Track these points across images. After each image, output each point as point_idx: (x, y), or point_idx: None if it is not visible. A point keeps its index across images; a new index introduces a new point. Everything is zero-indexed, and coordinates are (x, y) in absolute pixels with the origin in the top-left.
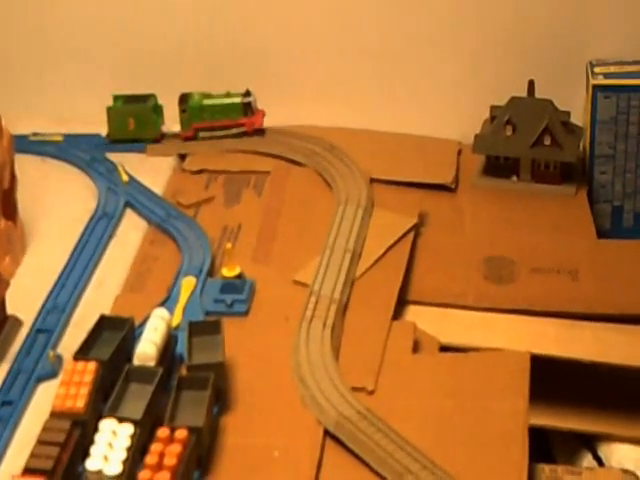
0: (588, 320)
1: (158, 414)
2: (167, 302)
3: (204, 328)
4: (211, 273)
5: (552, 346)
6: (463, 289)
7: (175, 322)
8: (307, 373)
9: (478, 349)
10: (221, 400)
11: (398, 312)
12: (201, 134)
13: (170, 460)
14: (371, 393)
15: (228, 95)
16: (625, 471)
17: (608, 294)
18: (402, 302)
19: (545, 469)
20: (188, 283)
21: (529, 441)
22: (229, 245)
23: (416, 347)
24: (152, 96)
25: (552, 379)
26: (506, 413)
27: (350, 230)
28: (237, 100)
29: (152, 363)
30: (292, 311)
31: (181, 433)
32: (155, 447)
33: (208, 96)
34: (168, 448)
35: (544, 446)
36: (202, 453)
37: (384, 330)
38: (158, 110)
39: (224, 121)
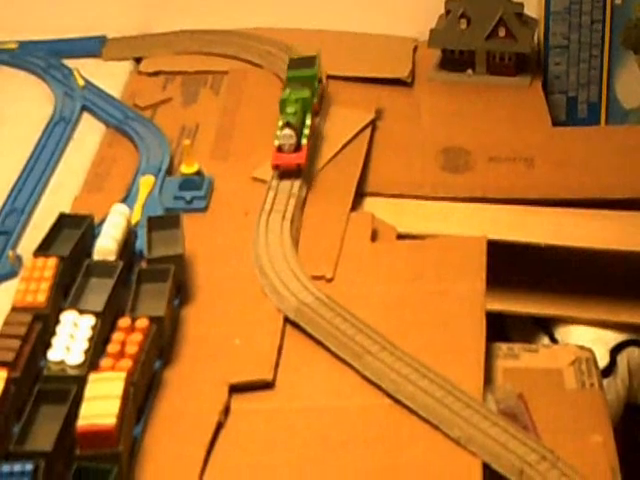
0: (543, 206)
1: (119, 308)
2: (126, 201)
3: (163, 223)
4: (170, 172)
5: (508, 231)
6: (420, 180)
7: (134, 220)
8: (267, 264)
9: (435, 236)
10: (182, 292)
11: (356, 204)
12: None
13: (132, 348)
14: (330, 281)
15: (287, 115)
16: (581, 347)
17: (563, 180)
18: (360, 194)
19: (502, 347)
20: (147, 182)
21: (487, 325)
22: (187, 142)
23: (374, 236)
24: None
25: (509, 265)
26: (464, 295)
27: None
28: (279, 125)
29: (112, 257)
30: (251, 206)
31: (142, 322)
32: (117, 336)
33: (293, 102)
34: (129, 337)
35: (502, 333)
36: (163, 343)
37: (342, 221)
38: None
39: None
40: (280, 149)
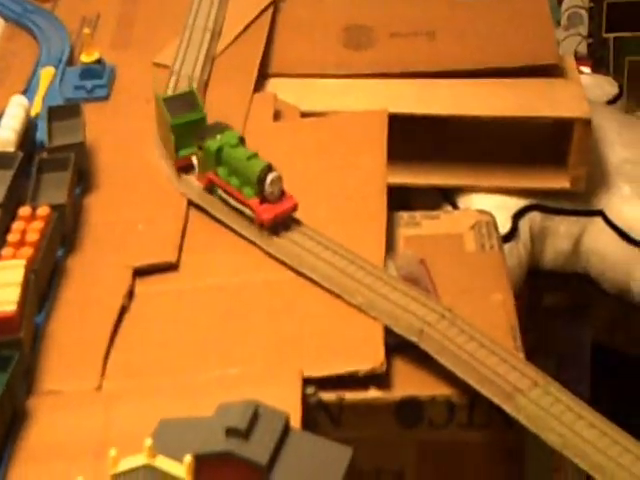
0: (446, 78)
1: (20, 199)
2: (27, 93)
3: (63, 112)
4: (70, 63)
5: (411, 105)
6: (323, 58)
7: (35, 111)
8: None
9: (337, 112)
10: (84, 181)
11: (260, 85)
12: (218, 191)
13: (32, 236)
14: None
15: (251, 159)
16: (481, 211)
17: (464, 51)
18: (263, 76)
19: (404, 216)
20: (47, 73)
21: (391, 198)
22: (87, 30)
23: (277, 116)
24: None
25: (412, 139)
26: (366, 168)
27: (209, 9)
28: (255, 171)
29: (11, 149)
30: (153, 93)
31: (43, 210)
32: (17, 225)
33: (236, 145)
34: (30, 225)
35: (407, 206)
36: (66, 231)
37: (245, 103)
38: None
39: (236, 191)
40: (265, 200)
